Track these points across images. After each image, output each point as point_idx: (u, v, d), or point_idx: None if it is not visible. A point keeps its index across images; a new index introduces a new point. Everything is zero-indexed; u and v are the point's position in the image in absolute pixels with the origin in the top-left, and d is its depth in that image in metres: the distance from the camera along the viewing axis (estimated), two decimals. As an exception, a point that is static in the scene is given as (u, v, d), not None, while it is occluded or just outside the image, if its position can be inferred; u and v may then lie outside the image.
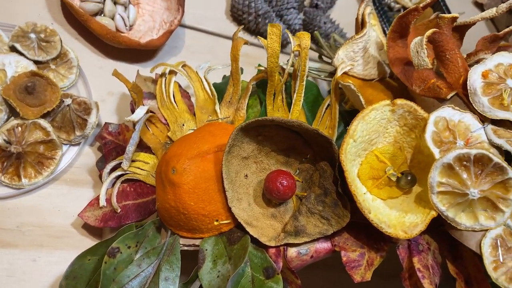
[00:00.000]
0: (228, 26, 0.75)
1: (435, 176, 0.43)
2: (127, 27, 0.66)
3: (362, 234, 0.47)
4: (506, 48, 0.57)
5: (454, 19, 0.52)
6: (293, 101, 0.49)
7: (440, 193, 0.43)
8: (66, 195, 0.59)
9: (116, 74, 0.54)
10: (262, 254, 0.47)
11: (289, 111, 0.52)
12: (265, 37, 0.74)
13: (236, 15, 0.73)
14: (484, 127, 0.46)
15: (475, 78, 0.46)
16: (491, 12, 0.51)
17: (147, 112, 0.55)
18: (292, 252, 0.47)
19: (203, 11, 0.74)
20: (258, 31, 0.74)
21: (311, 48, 0.63)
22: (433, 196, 0.43)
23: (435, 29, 0.46)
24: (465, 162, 0.42)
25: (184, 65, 0.59)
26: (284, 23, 0.75)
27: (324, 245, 0.47)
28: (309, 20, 0.77)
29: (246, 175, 0.49)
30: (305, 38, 0.47)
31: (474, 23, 0.53)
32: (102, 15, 0.64)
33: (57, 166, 0.58)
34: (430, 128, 0.44)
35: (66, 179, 0.60)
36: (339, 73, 0.53)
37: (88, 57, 0.66)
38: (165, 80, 0.58)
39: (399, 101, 0.47)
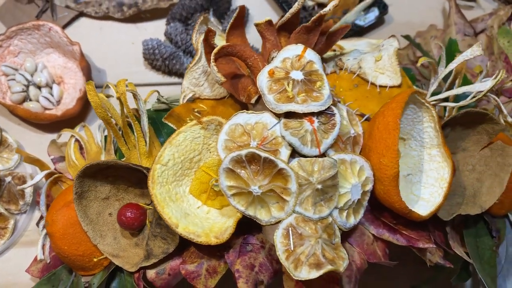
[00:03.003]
0: (148, 74, 0.83)
1: (223, 181, 0.45)
2: (54, 104, 0.77)
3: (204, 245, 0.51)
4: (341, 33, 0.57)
5: (268, 22, 0.54)
6: (136, 139, 0.55)
7: (235, 195, 0.45)
8: (25, 255, 0.70)
9: (18, 151, 0.65)
10: (132, 279, 0.53)
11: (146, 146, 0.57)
12: (180, 75, 0.82)
13: (149, 63, 0.81)
14: (278, 122, 0.47)
15: (261, 79, 0.47)
16: (296, 6, 0.53)
17: (51, 174, 0.65)
18: (151, 273, 0.52)
19: (124, 68, 0.83)
20: (170, 71, 0.81)
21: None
22: (230, 200, 0.46)
23: (222, 45, 0.49)
24: (242, 163, 0.44)
25: (84, 126, 0.68)
26: (195, 57, 0.81)
27: (176, 262, 0.52)
28: (218, 47, 0.82)
29: (110, 213, 0.55)
30: (120, 85, 0.53)
31: (291, 20, 0.55)
32: (29, 100, 0.76)
33: (11, 233, 0.70)
34: (221, 138, 0.47)
35: (23, 241, 0.72)
36: (181, 101, 0.57)
37: (30, 137, 0.78)
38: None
39: (206, 118, 0.50)
